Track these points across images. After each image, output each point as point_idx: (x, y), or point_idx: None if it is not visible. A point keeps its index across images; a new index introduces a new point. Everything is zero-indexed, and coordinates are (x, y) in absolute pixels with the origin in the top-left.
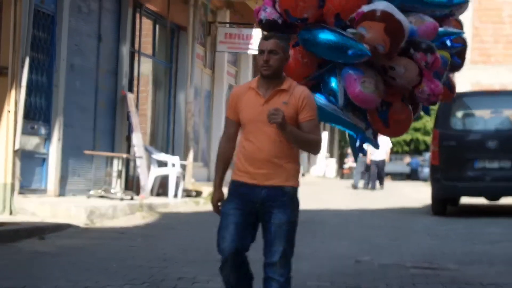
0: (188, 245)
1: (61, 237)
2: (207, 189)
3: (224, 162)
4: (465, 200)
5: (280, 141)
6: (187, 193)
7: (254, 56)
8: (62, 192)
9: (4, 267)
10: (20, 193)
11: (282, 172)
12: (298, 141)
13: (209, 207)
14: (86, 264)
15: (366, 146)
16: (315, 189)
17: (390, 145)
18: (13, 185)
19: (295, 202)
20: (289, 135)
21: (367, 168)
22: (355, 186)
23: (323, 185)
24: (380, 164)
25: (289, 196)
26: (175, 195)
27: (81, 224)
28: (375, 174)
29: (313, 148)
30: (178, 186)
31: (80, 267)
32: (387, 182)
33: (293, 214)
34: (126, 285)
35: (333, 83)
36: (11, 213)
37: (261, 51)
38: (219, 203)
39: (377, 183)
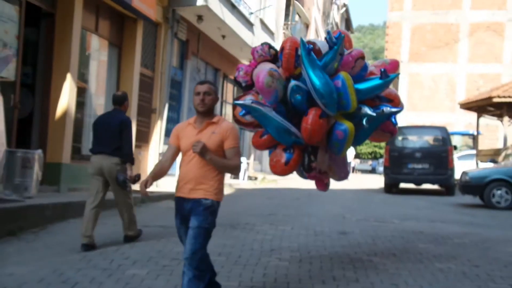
0: (250, 206)
1: None
2: (260, 176)
3: (158, 167)
4: (402, 185)
5: (205, 165)
6: (249, 178)
7: None
8: None
9: (156, 215)
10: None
11: (204, 189)
12: (218, 166)
13: (261, 185)
14: None
15: None
16: (296, 180)
17: (354, 152)
18: None
19: (210, 213)
20: (210, 161)
21: None
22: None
23: (295, 178)
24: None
25: (204, 207)
26: (243, 179)
27: None
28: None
29: (232, 171)
30: (245, 173)
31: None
32: (358, 174)
33: (205, 221)
34: (217, 226)
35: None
36: (157, 186)
37: (197, 92)
38: (146, 188)
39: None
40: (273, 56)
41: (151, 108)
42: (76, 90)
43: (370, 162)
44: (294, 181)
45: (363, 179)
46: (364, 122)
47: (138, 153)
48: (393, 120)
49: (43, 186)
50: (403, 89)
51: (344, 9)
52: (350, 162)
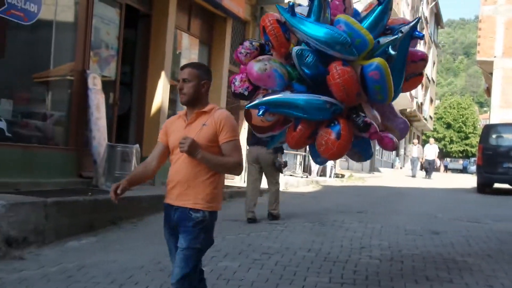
0: (338, 203)
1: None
2: (347, 173)
3: (140, 169)
4: (496, 185)
5: (195, 164)
6: (336, 175)
7: None
8: None
9: (241, 211)
10: None
11: (193, 194)
12: (213, 166)
13: (348, 183)
14: (287, 207)
15: (416, 148)
16: (388, 177)
17: (437, 150)
18: (246, 167)
19: (202, 229)
20: (202, 160)
21: (421, 165)
22: (414, 176)
23: (389, 175)
24: (431, 162)
25: (194, 223)
26: (330, 176)
27: (281, 189)
28: (431, 169)
29: (231, 170)
30: (332, 171)
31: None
32: (448, 173)
33: (195, 241)
34: (306, 222)
35: None
36: (244, 182)
37: (177, 80)
38: (118, 190)
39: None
40: (259, 48)
41: (240, 105)
42: (169, 87)
43: (461, 161)
44: (382, 179)
45: (454, 178)
46: (390, 49)
47: None
48: (417, 33)
49: None
50: (497, 85)
51: (434, 3)
52: (433, 160)
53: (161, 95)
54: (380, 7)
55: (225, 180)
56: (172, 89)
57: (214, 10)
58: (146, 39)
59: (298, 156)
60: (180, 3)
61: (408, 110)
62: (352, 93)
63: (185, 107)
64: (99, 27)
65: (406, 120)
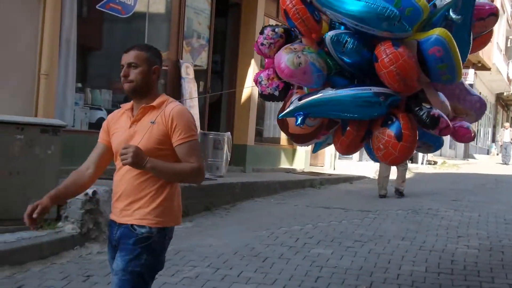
0: (431, 190)
1: (361, 183)
2: (440, 160)
3: (70, 179)
4: None
5: (141, 173)
6: (428, 162)
7: None
8: (360, 159)
9: (336, 197)
10: (338, 158)
11: (139, 208)
12: (166, 176)
13: (442, 170)
14: (369, 193)
15: (509, 133)
16: (483, 164)
17: None
18: (335, 154)
19: (145, 248)
20: (152, 171)
21: None
22: (505, 163)
23: (484, 162)
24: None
25: (135, 239)
26: (422, 163)
27: (371, 176)
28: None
29: (189, 179)
30: (424, 157)
31: (366, 195)
32: None
33: (134, 263)
34: (399, 210)
35: None
36: (334, 169)
37: (121, 65)
38: (34, 214)
39: None
40: (284, 34)
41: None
42: None
43: None
44: (477, 166)
45: None
46: (451, 13)
47: None
48: None
49: (231, 166)
50: None
51: None
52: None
53: (251, 83)
54: None
55: (179, 189)
56: None
57: None
58: (236, 28)
59: None
60: None
61: (505, 93)
62: (412, 80)
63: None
64: (191, 17)
65: (481, 96)
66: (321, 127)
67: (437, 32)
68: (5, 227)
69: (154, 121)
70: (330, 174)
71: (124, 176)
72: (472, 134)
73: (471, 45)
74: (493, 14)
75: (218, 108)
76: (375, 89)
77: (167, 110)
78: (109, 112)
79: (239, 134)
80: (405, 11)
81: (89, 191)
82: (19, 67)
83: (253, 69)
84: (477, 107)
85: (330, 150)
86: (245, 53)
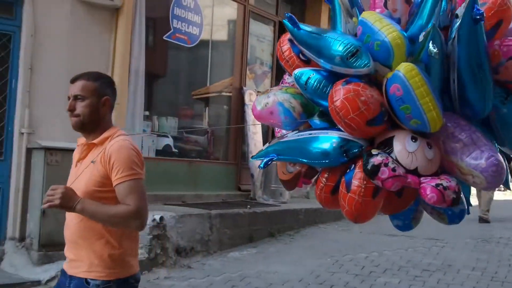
0: (501, 218)
1: None
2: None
3: None
4: None
5: (84, 218)
6: (498, 188)
7: None
8: None
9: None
10: None
11: (87, 258)
12: (99, 219)
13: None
14: (436, 220)
15: None
16: None
17: None
18: None
19: None
20: (83, 214)
21: None
22: None
23: None
24: None
25: None
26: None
27: None
28: None
29: (125, 222)
30: None
31: (433, 222)
32: None
33: None
34: (468, 239)
35: None
36: None
37: (68, 97)
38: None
39: None
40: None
41: None
42: None
43: None
44: None
45: None
46: (430, 46)
47: None
48: (476, 11)
49: (294, 192)
50: None
51: None
52: None
53: None
54: None
55: (137, 234)
56: None
57: None
58: None
59: None
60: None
61: None
62: (358, 121)
63: None
64: (254, 44)
65: (495, 154)
66: (298, 175)
67: (400, 67)
68: None
69: (95, 160)
70: None
71: (70, 221)
72: (440, 198)
73: (490, 83)
74: None
75: None
76: (335, 133)
77: (107, 148)
78: (174, 139)
79: None
80: (374, 45)
81: (157, 217)
82: None
83: None
84: (482, 169)
85: None
86: None
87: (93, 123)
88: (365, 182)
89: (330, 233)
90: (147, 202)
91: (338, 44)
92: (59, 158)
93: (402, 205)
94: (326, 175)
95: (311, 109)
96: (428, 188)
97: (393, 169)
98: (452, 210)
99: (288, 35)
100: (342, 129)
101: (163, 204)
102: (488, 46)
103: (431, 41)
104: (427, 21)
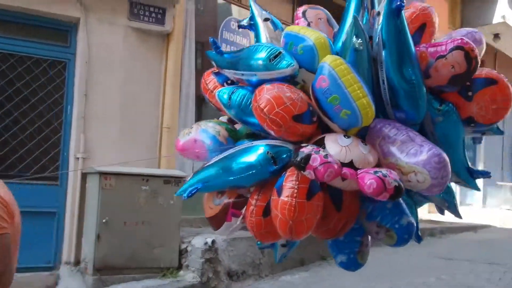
0: None
1: (486, 232)
2: None
3: None
4: None
5: None
6: None
7: None
8: (484, 205)
9: (458, 247)
10: (460, 205)
11: None
12: None
13: None
14: (496, 243)
15: None
16: None
17: None
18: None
19: None
20: None
21: None
22: None
23: None
24: None
25: None
26: None
27: (497, 225)
28: None
29: None
30: None
31: (493, 246)
32: None
33: None
34: None
35: None
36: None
37: None
38: None
39: None
40: None
41: None
42: None
43: None
44: None
45: None
46: (354, 41)
47: None
48: (397, 3)
49: None
50: None
51: None
52: None
53: None
54: None
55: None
56: None
57: None
58: None
59: None
60: None
61: None
62: (284, 116)
63: None
64: None
65: (436, 148)
66: (226, 206)
67: (325, 59)
68: (132, 275)
69: None
70: (451, 223)
71: None
72: (381, 184)
73: (417, 79)
74: (458, 48)
75: None
76: (260, 142)
77: None
78: None
79: None
80: (298, 49)
81: (209, 240)
82: (145, 121)
83: None
84: (424, 162)
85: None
86: None
87: None
88: (297, 183)
89: (382, 257)
90: (6, 259)
91: (261, 50)
92: (113, 182)
93: (341, 222)
94: (256, 196)
95: (238, 134)
96: (366, 176)
97: (325, 156)
98: (398, 223)
99: (211, 71)
100: (268, 129)
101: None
102: (415, 50)
103: (354, 36)
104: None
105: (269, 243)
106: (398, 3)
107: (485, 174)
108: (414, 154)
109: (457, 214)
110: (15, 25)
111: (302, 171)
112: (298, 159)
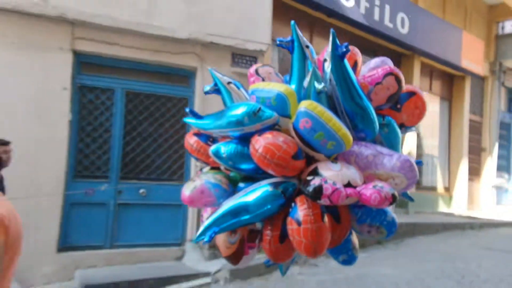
0: None
1: None
2: None
3: None
4: None
5: None
6: None
7: None
8: None
9: (496, 239)
10: (497, 204)
11: None
12: None
13: None
14: None
15: None
16: None
17: None
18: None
19: None
20: None
21: None
22: None
23: None
24: None
25: None
26: None
27: None
28: None
29: None
30: None
31: None
32: None
33: None
34: None
35: None
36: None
37: None
38: None
39: None
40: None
41: (481, 147)
42: (416, 136)
43: None
44: None
45: None
46: (316, 85)
47: None
48: (340, 49)
49: (396, 208)
50: None
51: None
52: None
53: (410, 142)
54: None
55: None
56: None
57: (453, 72)
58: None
59: None
60: (423, 69)
61: None
62: (285, 158)
63: None
64: None
65: (401, 154)
66: (242, 242)
67: (301, 105)
68: None
69: None
70: (489, 219)
71: None
72: (382, 198)
73: (365, 105)
74: (389, 74)
75: None
76: (265, 181)
77: None
78: None
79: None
80: (271, 101)
81: None
82: None
83: (411, 132)
84: (399, 167)
85: (484, 195)
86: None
87: None
88: (311, 210)
89: (429, 244)
90: None
91: (241, 109)
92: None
93: (342, 232)
94: (269, 227)
95: (235, 179)
96: (368, 191)
97: (334, 183)
98: (386, 220)
99: (192, 133)
100: (272, 171)
101: None
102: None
103: (315, 81)
104: (299, 83)
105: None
106: (343, 49)
107: (418, 163)
108: (389, 162)
109: (410, 199)
110: (150, 72)
111: (317, 200)
112: (311, 190)
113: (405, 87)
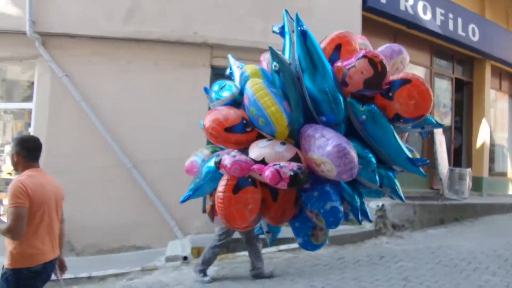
0: None
1: None
2: None
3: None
4: None
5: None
6: None
7: None
8: None
9: None
10: None
11: (6, 255)
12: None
13: None
14: None
15: None
16: None
17: None
18: None
19: (4, 280)
20: None
21: None
22: None
23: None
24: None
25: (1, 274)
26: None
27: None
28: None
29: (5, 234)
30: None
31: None
32: None
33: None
34: None
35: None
36: None
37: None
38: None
39: None
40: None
41: None
42: (489, 130)
43: None
44: None
45: None
46: (274, 66)
47: None
48: (302, 27)
49: (471, 191)
50: None
51: None
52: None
53: (483, 135)
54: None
55: (34, 240)
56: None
57: None
58: (469, 98)
59: None
60: (493, 72)
61: None
62: (218, 129)
63: None
64: (438, 93)
65: (338, 141)
66: (213, 206)
67: (248, 83)
68: None
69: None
70: None
71: None
72: (276, 175)
73: (337, 94)
74: (363, 57)
75: (460, 152)
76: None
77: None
78: None
79: (477, 169)
80: (242, 82)
81: (379, 204)
82: None
83: (484, 126)
84: (329, 153)
85: None
86: (478, 115)
87: (15, 168)
88: (226, 181)
89: (502, 222)
90: (21, 223)
91: (217, 85)
92: None
93: (278, 211)
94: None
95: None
96: (266, 169)
97: (233, 156)
98: (323, 208)
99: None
100: (211, 140)
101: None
102: (333, 66)
103: (273, 61)
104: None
105: (241, 227)
106: (301, 28)
107: (424, 162)
108: (322, 147)
109: (400, 198)
110: None
111: (217, 168)
112: (216, 160)
113: (401, 74)
